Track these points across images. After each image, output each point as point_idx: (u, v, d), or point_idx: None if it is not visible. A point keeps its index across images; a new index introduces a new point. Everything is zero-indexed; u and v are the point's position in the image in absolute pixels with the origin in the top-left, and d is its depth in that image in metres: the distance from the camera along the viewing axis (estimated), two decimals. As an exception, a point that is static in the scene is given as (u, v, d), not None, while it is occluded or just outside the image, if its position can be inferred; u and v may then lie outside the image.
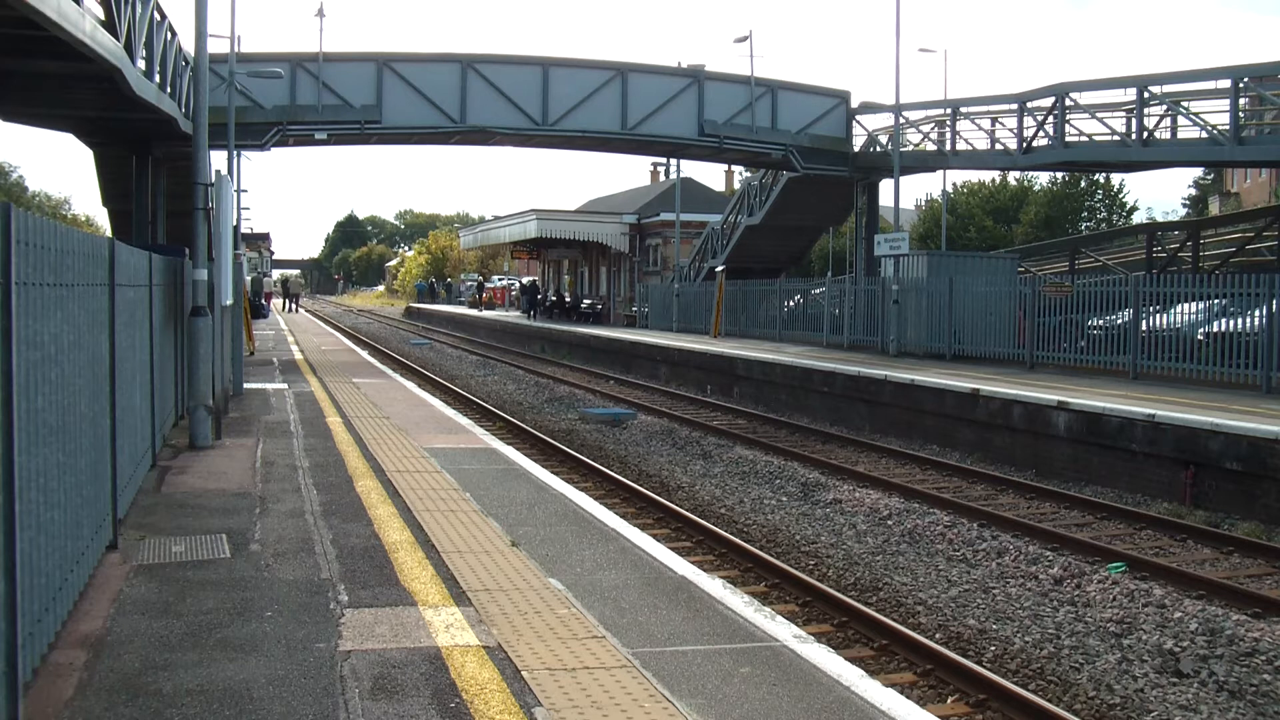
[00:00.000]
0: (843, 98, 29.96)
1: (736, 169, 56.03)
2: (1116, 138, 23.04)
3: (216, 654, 5.56)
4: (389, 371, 24.22)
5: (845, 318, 27.33)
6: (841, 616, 8.65)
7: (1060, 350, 20.43)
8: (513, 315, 54.96)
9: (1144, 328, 18.52)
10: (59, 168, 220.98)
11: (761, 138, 28.46)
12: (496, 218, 61.59)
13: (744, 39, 30.78)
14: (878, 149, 29.49)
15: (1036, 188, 51.76)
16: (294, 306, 72.14)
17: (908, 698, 5.68)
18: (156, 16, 16.91)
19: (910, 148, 28.81)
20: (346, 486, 10.12)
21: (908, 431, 18.17)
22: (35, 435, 5.00)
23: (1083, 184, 49.54)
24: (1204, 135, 21.32)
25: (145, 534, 8.10)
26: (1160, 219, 53.02)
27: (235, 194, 18.84)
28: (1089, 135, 23.85)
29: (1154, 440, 13.42)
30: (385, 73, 25.65)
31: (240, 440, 12.92)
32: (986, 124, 26.61)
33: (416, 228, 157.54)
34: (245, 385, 18.30)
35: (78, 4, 11.44)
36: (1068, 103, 23.52)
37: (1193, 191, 62.68)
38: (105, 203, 33.90)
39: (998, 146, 26.29)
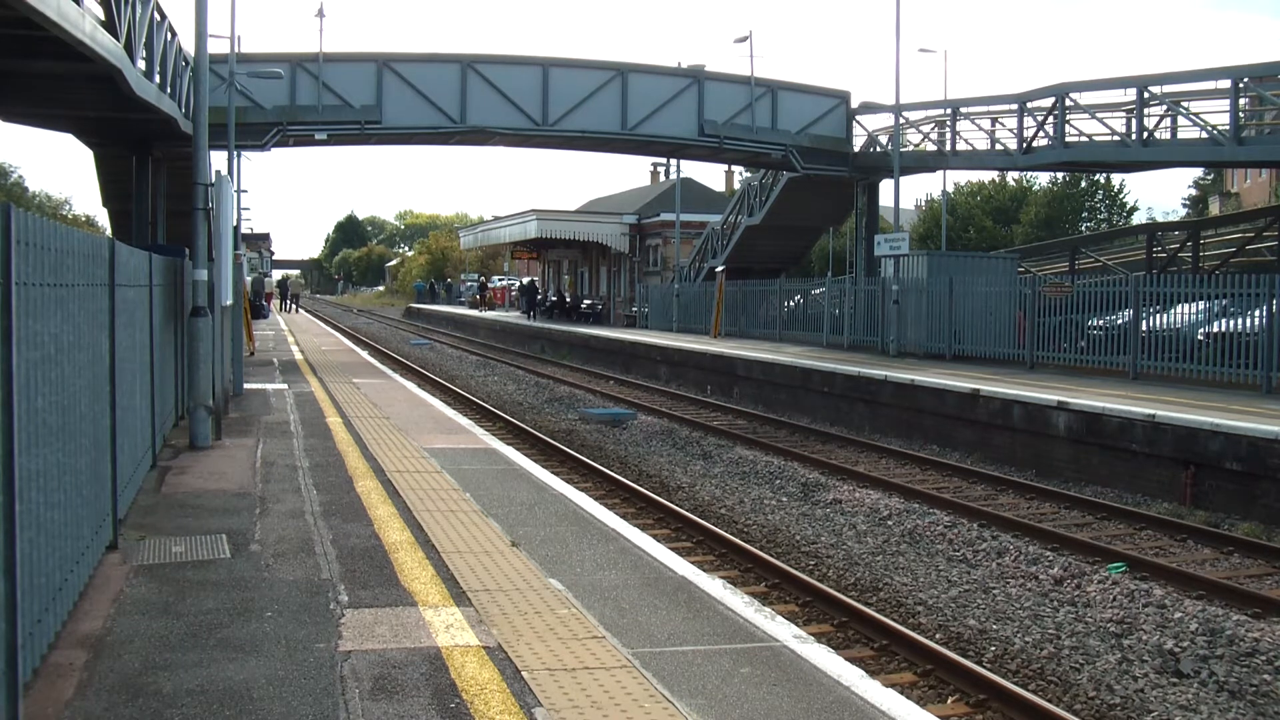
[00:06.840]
0: (843, 98, 29.93)
1: (736, 169, 55.96)
2: (1116, 138, 23.02)
3: (217, 654, 5.56)
4: (389, 372, 24.22)
5: (845, 318, 27.32)
6: (841, 616, 8.65)
7: (1060, 350, 20.43)
8: (512, 315, 54.94)
9: (1144, 328, 18.53)
10: (59, 168, 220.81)
11: (761, 138, 28.43)
12: (496, 218, 61.54)
13: (744, 39, 30.75)
14: (878, 149, 29.47)
15: (1036, 188, 51.75)
16: (293, 307, 72.05)
17: (908, 698, 5.68)
18: (156, 16, 16.92)
19: (910, 148, 28.79)
20: (346, 487, 10.12)
21: (908, 432, 18.17)
22: (35, 435, 4.99)
23: (1083, 184, 49.55)
24: (1204, 135, 21.31)
25: (145, 534, 8.10)
26: (1160, 219, 53.03)
27: (235, 194, 18.82)
28: (1089, 135, 23.83)
29: (1154, 440, 13.43)
30: (385, 73, 25.64)
31: (240, 440, 12.92)
32: (986, 124, 26.58)
33: (416, 228, 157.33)
34: (245, 385, 18.30)
35: (78, 4, 11.44)
36: (1068, 103, 23.51)
37: (1193, 191, 62.60)
38: (105, 203, 33.92)
39: (998, 147, 26.26)
